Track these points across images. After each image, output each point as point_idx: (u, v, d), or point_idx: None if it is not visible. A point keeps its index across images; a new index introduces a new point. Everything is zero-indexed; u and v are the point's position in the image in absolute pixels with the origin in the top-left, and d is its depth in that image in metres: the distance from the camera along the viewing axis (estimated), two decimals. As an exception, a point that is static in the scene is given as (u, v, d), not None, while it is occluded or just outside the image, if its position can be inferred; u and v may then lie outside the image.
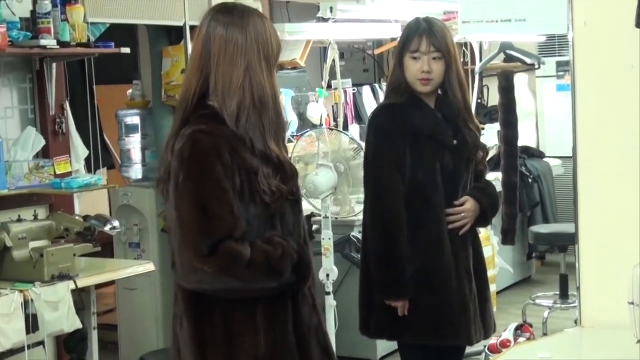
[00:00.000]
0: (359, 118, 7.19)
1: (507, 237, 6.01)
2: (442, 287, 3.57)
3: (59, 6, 4.58)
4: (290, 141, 6.19)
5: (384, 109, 3.73)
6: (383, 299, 3.57)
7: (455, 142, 3.59)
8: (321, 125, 6.23)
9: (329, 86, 6.56)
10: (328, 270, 4.41)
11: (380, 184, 3.57)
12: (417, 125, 3.57)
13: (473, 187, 3.70)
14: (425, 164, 3.57)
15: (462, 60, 7.80)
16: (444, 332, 3.59)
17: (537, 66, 6.67)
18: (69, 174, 4.78)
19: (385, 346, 5.67)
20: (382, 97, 7.42)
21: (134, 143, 5.72)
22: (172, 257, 2.56)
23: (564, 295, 6.39)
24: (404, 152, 3.54)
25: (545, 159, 7.92)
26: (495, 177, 6.74)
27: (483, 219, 3.70)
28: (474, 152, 3.67)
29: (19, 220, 4.25)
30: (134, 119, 5.72)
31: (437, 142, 3.58)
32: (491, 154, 7.17)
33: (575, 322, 3.33)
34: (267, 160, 2.55)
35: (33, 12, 4.58)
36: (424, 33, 3.54)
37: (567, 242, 6.26)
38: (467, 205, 3.63)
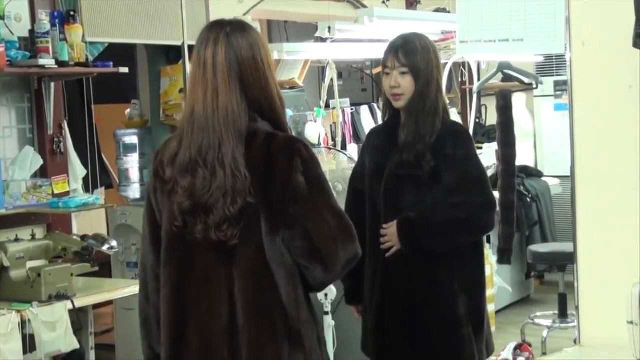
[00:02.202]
0: (357, 137, 7.19)
1: (504, 257, 6.00)
2: (367, 308, 3.64)
3: (58, 26, 4.59)
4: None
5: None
6: None
7: (393, 162, 3.53)
8: (319, 144, 6.23)
9: (327, 105, 6.56)
10: (326, 290, 4.40)
11: None
12: (372, 145, 3.69)
13: (413, 209, 3.53)
14: (369, 183, 3.63)
15: (459, 79, 7.85)
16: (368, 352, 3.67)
17: (534, 86, 6.68)
18: (67, 193, 4.78)
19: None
20: (379, 116, 7.43)
21: (132, 162, 5.73)
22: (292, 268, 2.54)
23: (563, 314, 6.38)
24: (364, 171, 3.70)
25: (543, 178, 7.92)
26: (493, 197, 6.75)
27: (405, 245, 3.52)
28: (417, 171, 3.51)
29: (17, 240, 4.24)
30: (132, 138, 5.73)
31: (379, 162, 3.60)
32: (489, 173, 7.18)
33: (574, 341, 3.32)
34: None
35: (31, 31, 4.59)
36: (393, 49, 3.59)
37: (566, 261, 6.25)
38: (392, 228, 3.52)
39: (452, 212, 3.49)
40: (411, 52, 3.55)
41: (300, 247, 2.52)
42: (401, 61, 3.54)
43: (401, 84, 3.55)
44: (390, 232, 3.52)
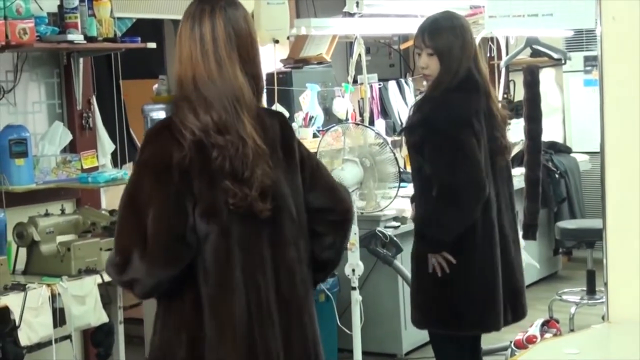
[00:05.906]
0: (384, 113, 7.17)
1: (529, 232, 5.98)
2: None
3: (86, 1, 4.60)
4: (315, 136, 6.20)
5: None
6: None
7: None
8: (347, 120, 6.22)
9: (355, 81, 6.54)
10: (354, 265, 4.41)
11: None
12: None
13: None
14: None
15: (488, 54, 7.79)
16: None
17: (563, 61, 6.63)
18: (96, 168, 4.81)
19: (411, 341, 5.66)
20: (407, 91, 7.41)
21: (160, 138, 5.73)
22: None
23: (591, 291, 6.36)
24: None
25: (572, 154, 7.88)
26: (520, 173, 6.73)
27: None
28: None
29: (46, 215, 4.27)
30: (160, 114, 5.73)
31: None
32: (517, 149, 7.14)
33: (602, 317, 3.31)
34: None
35: (60, 7, 4.59)
36: (420, 31, 3.73)
37: (594, 238, 6.22)
38: None
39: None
40: (436, 34, 3.66)
41: (325, 202, 2.71)
42: (427, 43, 3.68)
43: (429, 65, 3.70)
44: None
